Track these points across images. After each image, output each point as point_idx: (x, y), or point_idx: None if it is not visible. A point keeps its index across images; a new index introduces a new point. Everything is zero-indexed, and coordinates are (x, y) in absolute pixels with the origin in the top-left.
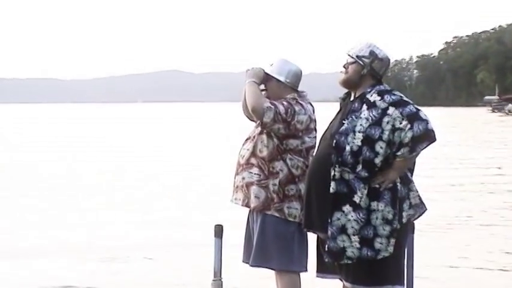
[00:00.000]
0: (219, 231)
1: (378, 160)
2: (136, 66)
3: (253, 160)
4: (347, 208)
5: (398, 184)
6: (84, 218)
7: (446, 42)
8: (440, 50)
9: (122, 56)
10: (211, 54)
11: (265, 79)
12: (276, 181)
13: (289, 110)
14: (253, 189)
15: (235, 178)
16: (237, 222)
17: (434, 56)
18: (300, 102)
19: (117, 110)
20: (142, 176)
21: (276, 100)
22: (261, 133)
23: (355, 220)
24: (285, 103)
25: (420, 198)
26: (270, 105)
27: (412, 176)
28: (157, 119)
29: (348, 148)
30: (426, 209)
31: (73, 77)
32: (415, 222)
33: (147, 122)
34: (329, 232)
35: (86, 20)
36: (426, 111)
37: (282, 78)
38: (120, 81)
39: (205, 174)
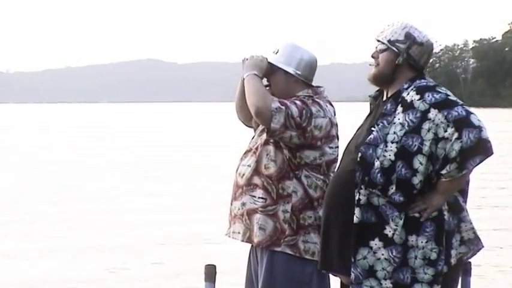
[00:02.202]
0: (210, 273)
1: (416, 180)
2: (101, 54)
3: (256, 180)
4: (376, 243)
5: (445, 212)
6: None
7: None
8: (505, 33)
9: (81, 41)
10: (199, 40)
11: (269, 71)
12: (288, 207)
13: (304, 111)
14: (257, 218)
15: (231, 205)
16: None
17: (497, 41)
18: (317, 100)
19: (73, 113)
20: None
21: (285, 99)
22: (266, 143)
23: (386, 259)
24: (298, 102)
25: (475, 232)
26: (279, 105)
27: (465, 202)
28: (125, 127)
29: (377, 164)
30: (483, 246)
31: (17, 69)
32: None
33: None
34: (352, 275)
35: None
36: (487, 114)
37: (291, 70)
38: (79, 74)
39: None
